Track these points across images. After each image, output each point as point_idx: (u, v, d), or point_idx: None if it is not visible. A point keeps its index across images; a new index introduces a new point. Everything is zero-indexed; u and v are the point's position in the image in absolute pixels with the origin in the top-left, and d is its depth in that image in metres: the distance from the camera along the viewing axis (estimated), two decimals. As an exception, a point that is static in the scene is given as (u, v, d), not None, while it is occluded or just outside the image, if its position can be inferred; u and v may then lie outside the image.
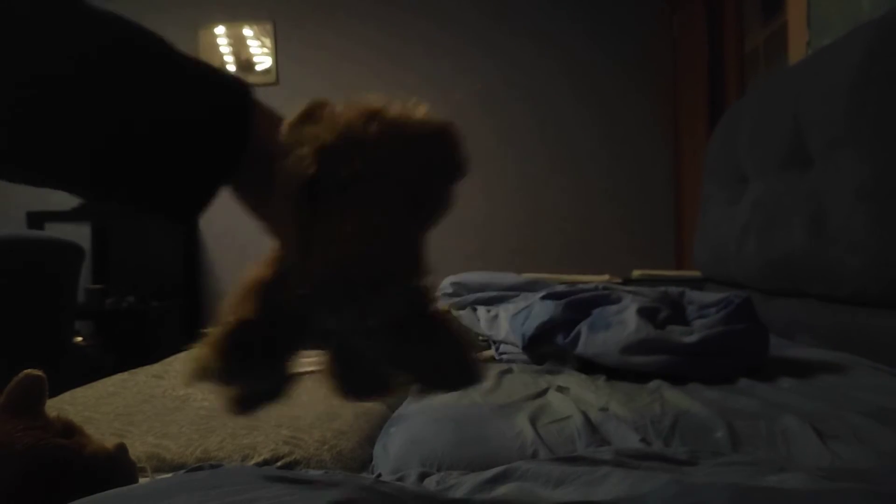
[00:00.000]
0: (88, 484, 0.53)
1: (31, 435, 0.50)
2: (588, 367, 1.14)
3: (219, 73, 0.50)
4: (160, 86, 0.47)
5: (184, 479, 0.52)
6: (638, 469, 0.58)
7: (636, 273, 2.49)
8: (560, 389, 0.99)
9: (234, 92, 0.49)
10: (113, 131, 0.45)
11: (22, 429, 0.50)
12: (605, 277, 2.37)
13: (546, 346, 1.22)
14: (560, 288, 1.37)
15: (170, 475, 0.73)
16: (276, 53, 3.51)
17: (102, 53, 0.46)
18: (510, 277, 1.94)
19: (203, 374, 0.43)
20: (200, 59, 0.51)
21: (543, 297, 1.29)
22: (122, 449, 0.62)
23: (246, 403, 0.47)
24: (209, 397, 1.11)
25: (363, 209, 0.39)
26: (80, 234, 3.29)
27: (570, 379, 1.07)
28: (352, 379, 0.47)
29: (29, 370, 0.52)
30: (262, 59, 3.52)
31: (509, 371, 1.15)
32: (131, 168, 0.45)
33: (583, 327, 1.16)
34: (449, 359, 0.45)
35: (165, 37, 0.51)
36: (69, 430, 0.57)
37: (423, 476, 0.69)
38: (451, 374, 0.45)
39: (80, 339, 3.03)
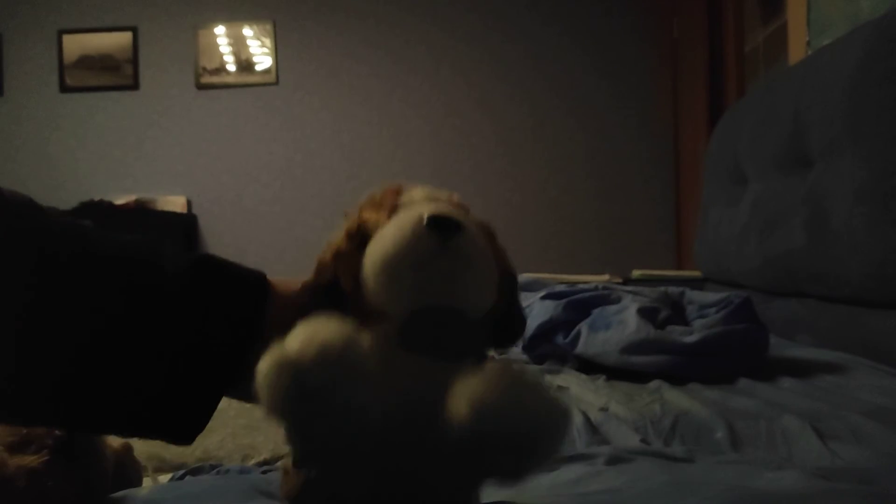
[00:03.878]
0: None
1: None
2: (588, 367, 1.14)
3: (229, 277, 0.47)
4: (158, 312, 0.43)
5: (182, 492, 0.53)
6: (634, 464, 0.58)
7: (636, 273, 2.49)
8: (560, 389, 0.99)
9: (245, 298, 0.46)
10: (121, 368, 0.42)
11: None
12: (605, 277, 2.37)
13: (546, 346, 1.22)
14: (560, 288, 1.37)
15: (169, 476, 0.73)
16: (276, 53, 3.51)
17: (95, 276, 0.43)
18: (510, 277, 1.94)
19: None
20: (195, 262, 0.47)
21: (543, 297, 1.29)
22: (128, 448, 0.63)
23: None
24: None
25: None
26: (80, 234, 3.29)
27: (570, 379, 1.07)
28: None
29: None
30: (262, 59, 3.52)
31: (509, 371, 1.15)
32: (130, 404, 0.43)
33: (583, 327, 1.16)
34: None
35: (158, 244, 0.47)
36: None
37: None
38: None
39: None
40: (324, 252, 0.44)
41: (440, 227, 0.37)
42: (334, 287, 0.42)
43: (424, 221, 0.37)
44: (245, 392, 0.45)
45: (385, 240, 0.38)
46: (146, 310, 0.43)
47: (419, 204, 0.41)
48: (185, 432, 0.45)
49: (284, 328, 0.41)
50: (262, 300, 0.46)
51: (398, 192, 0.44)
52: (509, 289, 0.45)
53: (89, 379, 0.41)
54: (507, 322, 0.45)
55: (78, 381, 0.41)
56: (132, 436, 0.46)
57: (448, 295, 0.38)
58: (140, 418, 0.44)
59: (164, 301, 0.43)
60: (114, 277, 0.43)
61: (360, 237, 0.41)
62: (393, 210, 0.42)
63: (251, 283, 0.47)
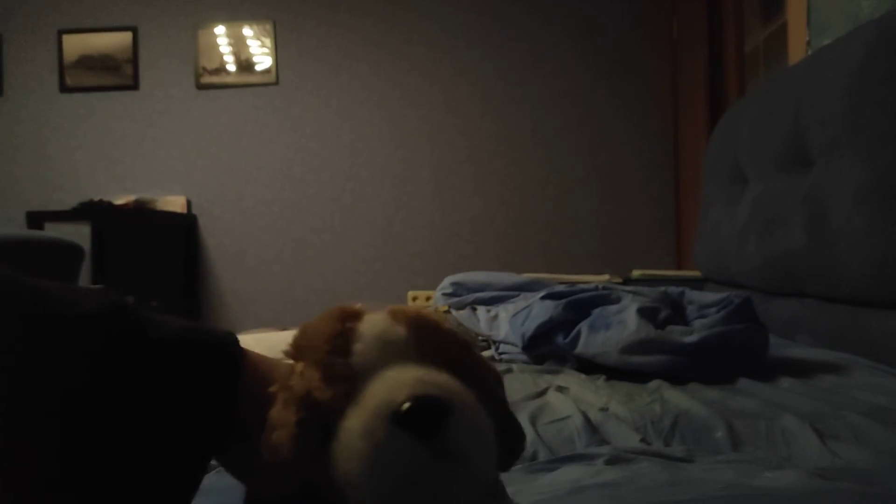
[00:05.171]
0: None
1: None
2: (588, 367, 1.14)
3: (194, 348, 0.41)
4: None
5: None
6: (634, 463, 0.58)
7: (636, 273, 2.49)
8: (560, 389, 0.99)
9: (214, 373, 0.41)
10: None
11: None
12: (605, 277, 2.37)
13: (546, 346, 1.22)
14: (560, 288, 1.37)
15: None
16: (276, 53, 3.51)
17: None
18: (510, 277, 1.94)
19: None
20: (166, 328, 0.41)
21: (543, 297, 1.29)
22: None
23: None
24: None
25: None
26: (80, 234, 3.29)
27: (570, 379, 1.06)
28: None
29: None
30: (262, 59, 3.52)
31: (509, 371, 1.15)
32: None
33: (583, 327, 1.16)
34: None
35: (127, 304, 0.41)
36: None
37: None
38: None
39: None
40: (274, 451, 0.35)
41: (423, 428, 0.31)
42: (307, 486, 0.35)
43: (401, 420, 0.31)
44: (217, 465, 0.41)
45: (359, 457, 0.32)
46: (113, 387, 0.37)
47: (380, 371, 0.34)
48: None
49: (256, 402, 0.37)
50: (234, 373, 0.41)
51: (346, 343, 0.36)
52: (499, 410, 0.38)
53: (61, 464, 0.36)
54: (504, 442, 0.39)
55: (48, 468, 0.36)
56: None
57: (451, 497, 0.32)
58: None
59: (131, 379, 0.38)
60: (79, 349, 0.37)
61: (318, 425, 0.34)
62: (347, 382, 0.35)
63: (223, 354, 0.42)
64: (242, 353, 0.43)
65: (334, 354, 0.36)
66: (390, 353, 0.36)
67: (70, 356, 0.37)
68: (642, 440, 0.77)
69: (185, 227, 3.48)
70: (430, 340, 0.37)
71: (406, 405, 0.31)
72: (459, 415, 0.32)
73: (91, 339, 0.38)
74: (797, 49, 1.89)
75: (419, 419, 0.31)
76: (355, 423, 0.32)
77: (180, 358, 0.40)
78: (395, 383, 0.33)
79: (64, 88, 3.59)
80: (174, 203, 3.49)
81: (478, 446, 0.33)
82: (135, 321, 0.40)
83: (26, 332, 0.36)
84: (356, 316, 0.38)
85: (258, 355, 0.44)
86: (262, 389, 0.38)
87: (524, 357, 1.26)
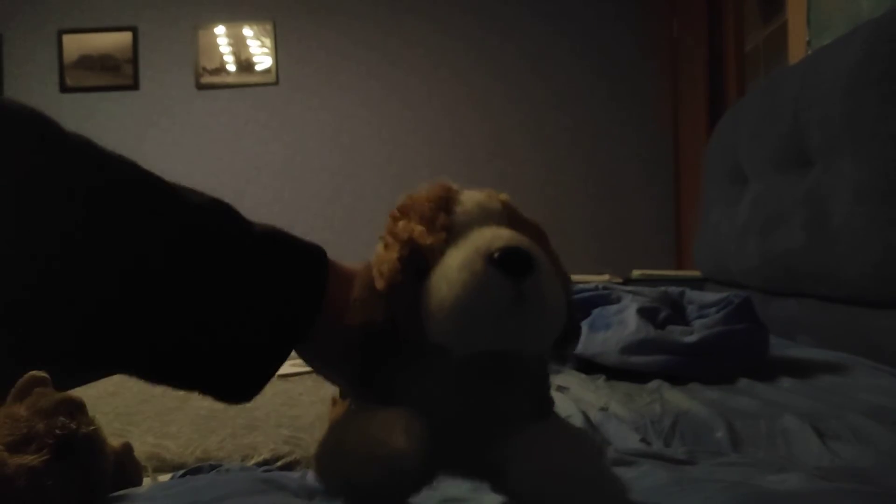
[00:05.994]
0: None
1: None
2: (588, 366, 1.14)
3: (290, 246, 0.50)
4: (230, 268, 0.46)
5: (183, 489, 0.53)
6: (636, 465, 0.58)
7: (636, 273, 2.49)
8: (560, 389, 0.99)
9: (305, 269, 0.48)
10: (183, 319, 0.44)
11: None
12: (605, 277, 2.37)
13: (546, 346, 1.22)
14: (560, 288, 1.37)
15: (169, 475, 0.73)
16: (276, 53, 3.51)
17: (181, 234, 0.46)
18: (510, 277, 1.94)
19: None
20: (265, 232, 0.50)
21: (543, 297, 1.29)
22: (128, 448, 0.63)
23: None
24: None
25: None
26: (80, 234, 3.29)
27: (570, 379, 1.07)
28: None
29: (32, 372, 0.53)
30: (262, 59, 3.52)
31: (509, 371, 1.15)
32: (196, 359, 0.46)
33: (583, 327, 1.16)
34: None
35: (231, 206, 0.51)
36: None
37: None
38: None
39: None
40: (375, 279, 0.41)
41: (513, 268, 0.35)
42: (389, 323, 0.39)
43: (495, 260, 0.35)
44: (299, 353, 0.48)
45: (454, 285, 0.36)
46: (229, 262, 0.46)
47: (478, 227, 0.39)
48: (245, 389, 0.47)
49: (340, 302, 0.43)
50: (323, 273, 0.48)
51: (448, 204, 0.41)
52: (568, 296, 0.43)
53: (162, 318, 0.43)
54: (565, 333, 0.42)
55: (151, 321, 0.43)
56: (193, 388, 0.47)
57: (522, 341, 0.37)
58: (208, 370, 0.46)
59: (242, 257, 0.46)
60: (200, 228, 0.47)
61: (415, 265, 0.39)
62: (447, 230, 0.39)
63: (314, 256, 0.49)
64: (326, 257, 0.50)
65: (437, 210, 0.40)
66: (487, 216, 0.40)
67: (191, 238, 0.46)
68: (642, 440, 0.77)
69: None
70: (520, 219, 0.43)
71: (501, 249, 0.36)
72: (542, 270, 0.37)
73: (208, 225, 0.48)
74: (797, 49, 1.89)
75: (512, 262, 0.35)
76: (454, 259, 0.37)
77: (278, 249, 0.49)
78: (494, 234, 0.37)
79: (64, 88, 3.59)
80: (174, 203, 3.48)
81: (552, 302, 0.37)
82: (241, 217, 0.50)
83: (156, 218, 0.45)
84: (457, 190, 0.43)
85: (341, 262, 0.51)
86: (344, 287, 0.44)
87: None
